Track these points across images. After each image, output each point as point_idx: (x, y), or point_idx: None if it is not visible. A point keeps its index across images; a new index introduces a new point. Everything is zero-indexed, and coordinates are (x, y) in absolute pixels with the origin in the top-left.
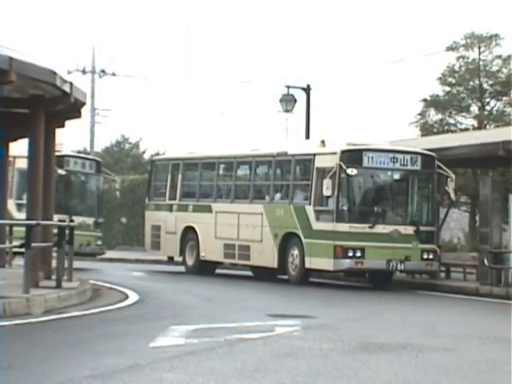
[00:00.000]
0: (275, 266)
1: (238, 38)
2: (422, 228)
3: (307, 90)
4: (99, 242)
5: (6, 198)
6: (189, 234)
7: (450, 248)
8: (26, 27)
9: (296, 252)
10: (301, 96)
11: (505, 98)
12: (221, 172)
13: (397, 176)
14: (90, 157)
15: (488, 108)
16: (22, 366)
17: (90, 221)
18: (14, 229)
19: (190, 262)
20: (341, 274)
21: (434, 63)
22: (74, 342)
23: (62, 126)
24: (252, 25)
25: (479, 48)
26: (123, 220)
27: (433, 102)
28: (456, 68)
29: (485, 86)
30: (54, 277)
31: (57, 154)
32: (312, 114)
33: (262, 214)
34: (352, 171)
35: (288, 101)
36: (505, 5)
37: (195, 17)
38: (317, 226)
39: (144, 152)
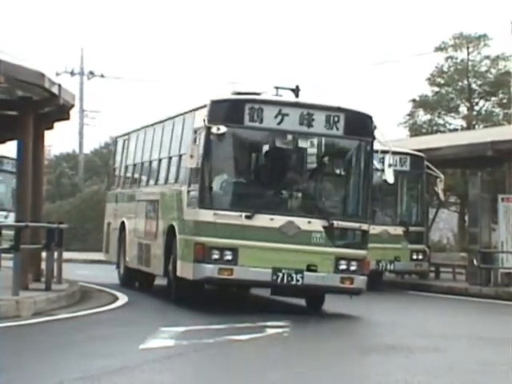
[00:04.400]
0: None
1: (226, 39)
2: (411, 228)
3: (296, 90)
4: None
5: None
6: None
7: (439, 248)
8: (15, 29)
9: None
10: (290, 97)
11: (493, 98)
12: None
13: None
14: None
15: (477, 108)
16: (11, 369)
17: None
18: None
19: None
20: None
21: (422, 64)
22: (63, 345)
23: (51, 127)
24: (241, 26)
25: (468, 48)
26: None
27: (422, 103)
28: (445, 68)
29: (473, 86)
30: (43, 279)
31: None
32: None
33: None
34: None
35: None
36: (493, 5)
37: (184, 18)
38: None
39: None
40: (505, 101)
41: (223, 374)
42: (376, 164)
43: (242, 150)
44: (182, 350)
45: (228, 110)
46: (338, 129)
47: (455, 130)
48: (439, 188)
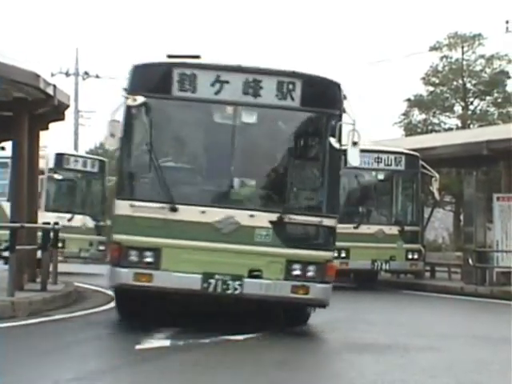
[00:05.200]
0: None
1: (226, 40)
2: (406, 228)
3: None
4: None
5: None
6: None
7: (434, 247)
8: (9, 30)
9: None
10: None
11: (488, 98)
12: None
13: (381, 176)
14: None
15: (471, 107)
16: (6, 371)
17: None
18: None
19: None
20: None
21: (417, 63)
22: (58, 345)
23: (46, 128)
24: (238, 24)
25: (462, 48)
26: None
27: (416, 102)
28: (439, 68)
29: (468, 85)
30: (38, 279)
31: None
32: None
33: None
34: None
35: None
36: (487, 5)
37: (180, 17)
38: None
39: None
40: (500, 100)
41: (220, 373)
42: (334, 143)
43: (169, 127)
44: (178, 350)
45: (153, 77)
46: (293, 99)
47: (450, 129)
48: (434, 187)
